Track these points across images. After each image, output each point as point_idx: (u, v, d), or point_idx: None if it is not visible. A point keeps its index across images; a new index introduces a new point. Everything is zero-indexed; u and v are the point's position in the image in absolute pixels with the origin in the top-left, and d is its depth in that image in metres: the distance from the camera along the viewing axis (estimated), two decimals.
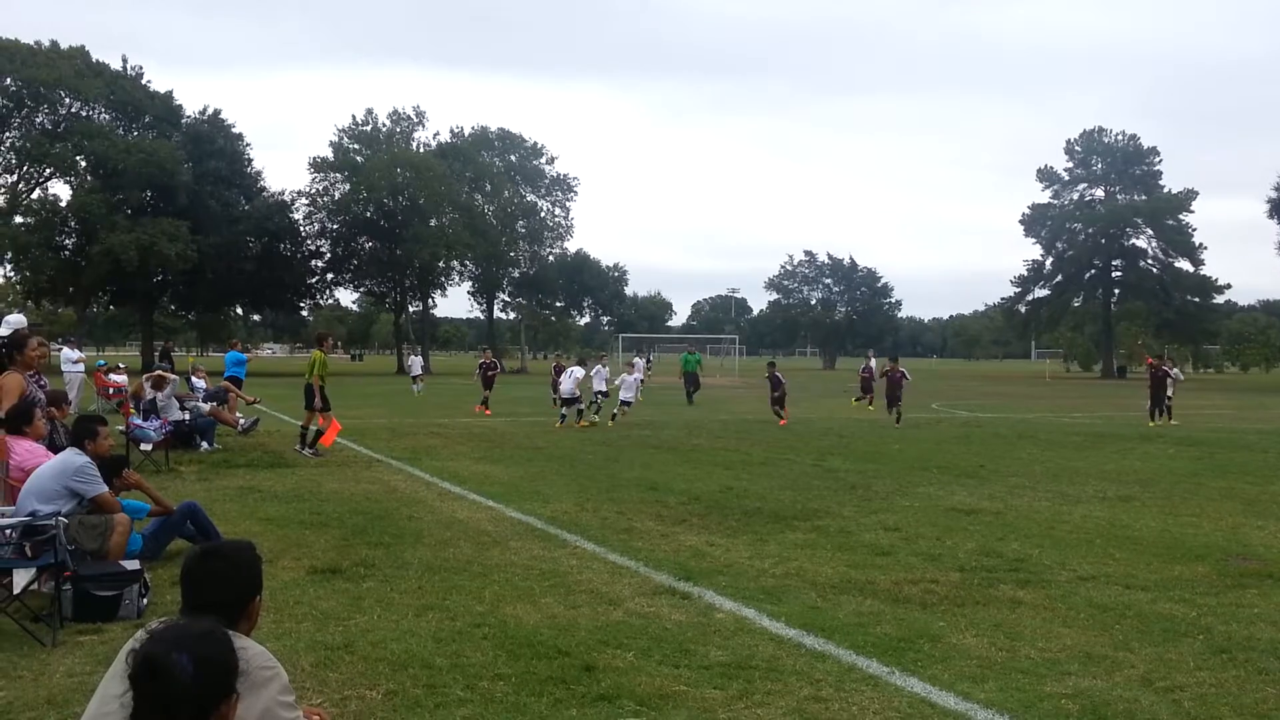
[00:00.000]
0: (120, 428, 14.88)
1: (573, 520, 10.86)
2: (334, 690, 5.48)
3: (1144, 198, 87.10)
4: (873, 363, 42.09)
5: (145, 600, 7.09)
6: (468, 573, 8.29)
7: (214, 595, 3.34)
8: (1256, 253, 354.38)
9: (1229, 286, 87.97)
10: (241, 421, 19.16)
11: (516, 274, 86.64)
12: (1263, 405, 39.56)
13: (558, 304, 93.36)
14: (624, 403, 25.24)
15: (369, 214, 74.26)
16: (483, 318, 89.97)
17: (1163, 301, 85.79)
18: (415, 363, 45.07)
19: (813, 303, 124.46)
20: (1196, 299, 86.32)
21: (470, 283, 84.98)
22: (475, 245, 74.81)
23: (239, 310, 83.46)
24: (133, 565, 7.21)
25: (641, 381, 27.81)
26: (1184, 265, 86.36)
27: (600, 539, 9.82)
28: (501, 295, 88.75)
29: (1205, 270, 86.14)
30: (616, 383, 25.55)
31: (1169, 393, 27.08)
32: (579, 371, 24.60)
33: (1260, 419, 30.59)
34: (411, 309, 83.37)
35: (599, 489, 13.29)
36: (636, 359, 28.21)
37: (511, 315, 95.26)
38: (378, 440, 18.93)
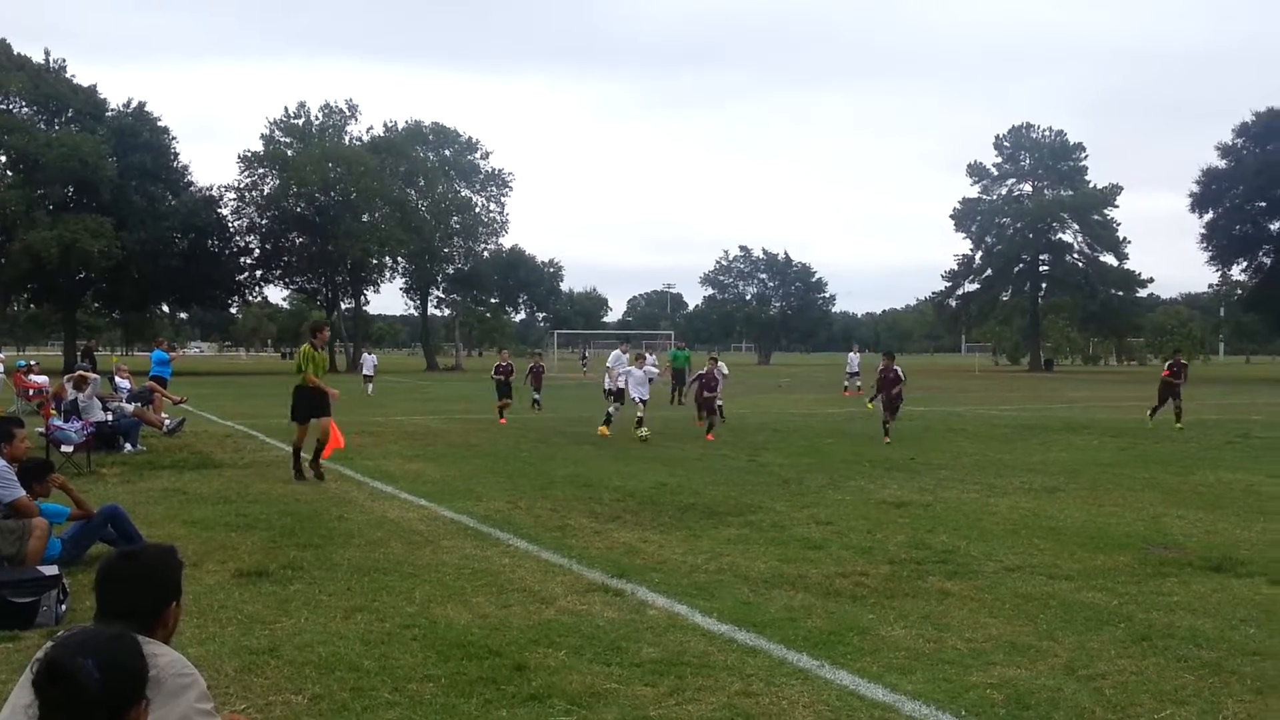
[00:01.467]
0: (40, 429, 14.50)
1: (506, 518, 10.79)
2: (258, 696, 5.39)
3: (1070, 193, 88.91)
4: (855, 356, 42.79)
5: (64, 606, 6.91)
6: (398, 573, 8.19)
7: (130, 600, 3.25)
8: (1179, 247, 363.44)
9: (1152, 280, 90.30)
10: (167, 422, 18.79)
11: (451, 270, 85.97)
12: (1185, 396, 40.54)
13: (493, 300, 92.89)
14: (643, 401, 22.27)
15: (300, 209, 73.22)
16: (416, 315, 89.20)
17: (1088, 295, 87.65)
18: (368, 361, 43.28)
19: (748, 298, 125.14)
20: (1121, 293, 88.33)
21: (404, 279, 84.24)
22: (409, 241, 74.14)
23: (165, 308, 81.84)
24: (51, 571, 7.02)
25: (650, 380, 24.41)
26: (1109, 259, 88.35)
27: (533, 537, 9.78)
28: (436, 292, 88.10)
29: (1129, 264, 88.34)
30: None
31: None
32: (631, 368, 21.56)
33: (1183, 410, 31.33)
34: (344, 306, 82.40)
35: (533, 487, 13.23)
36: (647, 353, 25.08)
37: (446, 312, 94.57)
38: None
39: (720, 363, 22.24)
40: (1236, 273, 75.92)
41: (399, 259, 78.99)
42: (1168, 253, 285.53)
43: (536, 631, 6.57)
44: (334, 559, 8.67)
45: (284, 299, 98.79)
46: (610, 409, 21.20)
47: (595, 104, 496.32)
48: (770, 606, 7.25)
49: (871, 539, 9.80)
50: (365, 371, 41.92)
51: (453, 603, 7.29)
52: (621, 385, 21.64)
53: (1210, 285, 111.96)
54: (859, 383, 39.79)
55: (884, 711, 5.23)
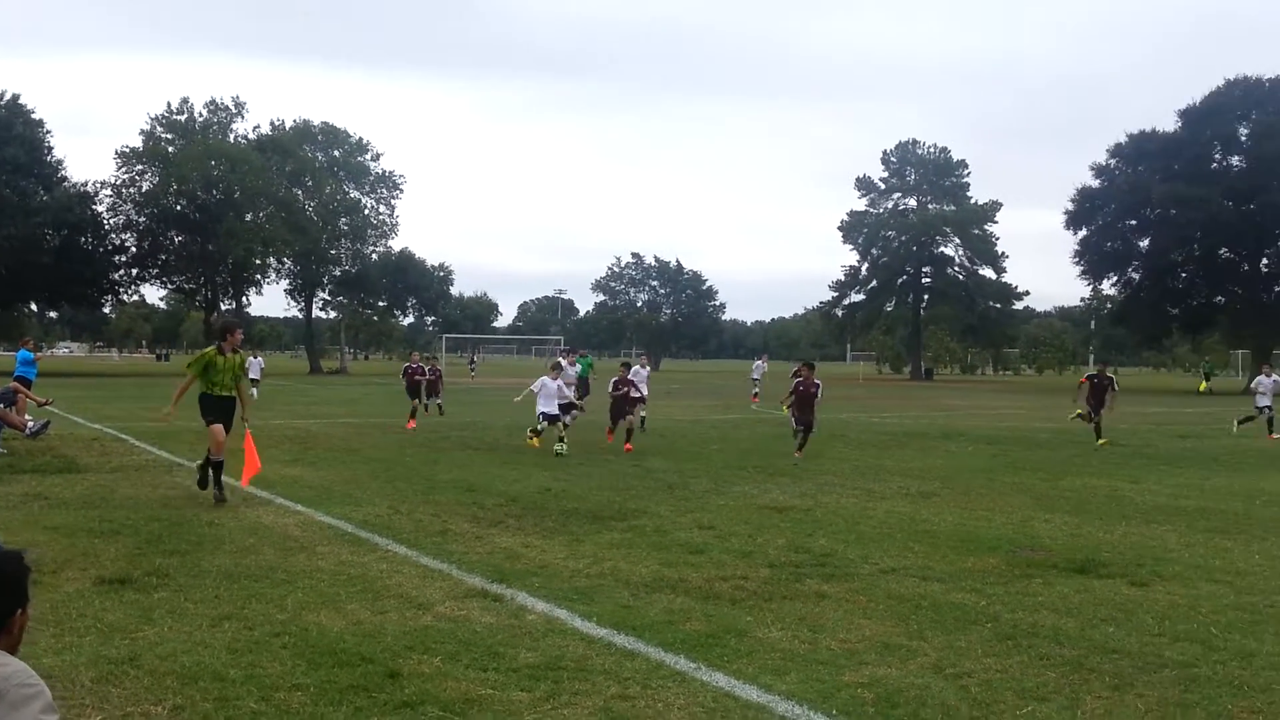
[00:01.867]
0: None
1: (385, 524, 10.61)
2: (115, 707, 5.18)
3: (953, 208, 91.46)
4: (764, 364, 43.62)
5: None
6: (270, 580, 7.98)
7: None
8: (1053, 262, 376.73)
9: (1028, 293, 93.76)
10: (30, 424, 17.99)
11: (338, 272, 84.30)
12: (1056, 406, 42.00)
13: (380, 303, 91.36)
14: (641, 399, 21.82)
15: (180, 207, 71.07)
16: (301, 317, 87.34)
17: (968, 307, 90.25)
18: (254, 364, 40.08)
19: (639, 304, 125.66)
20: (998, 305, 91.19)
21: (288, 280, 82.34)
22: (294, 242, 72.52)
23: (34, 306, 78.50)
24: None
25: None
26: (988, 273, 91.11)
27: (413, 542, 9.62)
28: (321, 294, 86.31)
29: (1007, 278, 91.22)
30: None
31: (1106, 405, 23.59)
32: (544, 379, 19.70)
33: (1053, 419, 32.45)
34: (224, 306, 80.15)
35: (415, 491, 13.03)
36: (564, 360, 24.09)
37: (332, 314, 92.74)
38: (180, 444, 18.07)
39: (637, 365, 22.58)
40: (1107, 287, 79.08)
41: (284, 260, 77.20)
42: (1043, 267, 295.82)
43: (412, 638, 6.46)
44: (202, 566, 8.40)
45: (161, 299, 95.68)
46: (565, 418, 19.46)
47: (487, 107, 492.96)
48: (650, 610, 7.27)
49: (752, 543, 9.90)
50: (251, 375, 40.35)
51: (326, 609, 7.12)
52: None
53: (1082, 299, 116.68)
54: (758, 389, 40.81)
55: (757, 712, 5.28)
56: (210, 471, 11.74)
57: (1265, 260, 67.80)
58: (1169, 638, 6.76)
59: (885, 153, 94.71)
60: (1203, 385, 60.66)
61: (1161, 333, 78.47)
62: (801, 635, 6.69)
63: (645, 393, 22.81)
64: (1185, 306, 71.55)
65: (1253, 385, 26.56)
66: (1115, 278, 73.70)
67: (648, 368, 24.48)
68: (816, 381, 18.97)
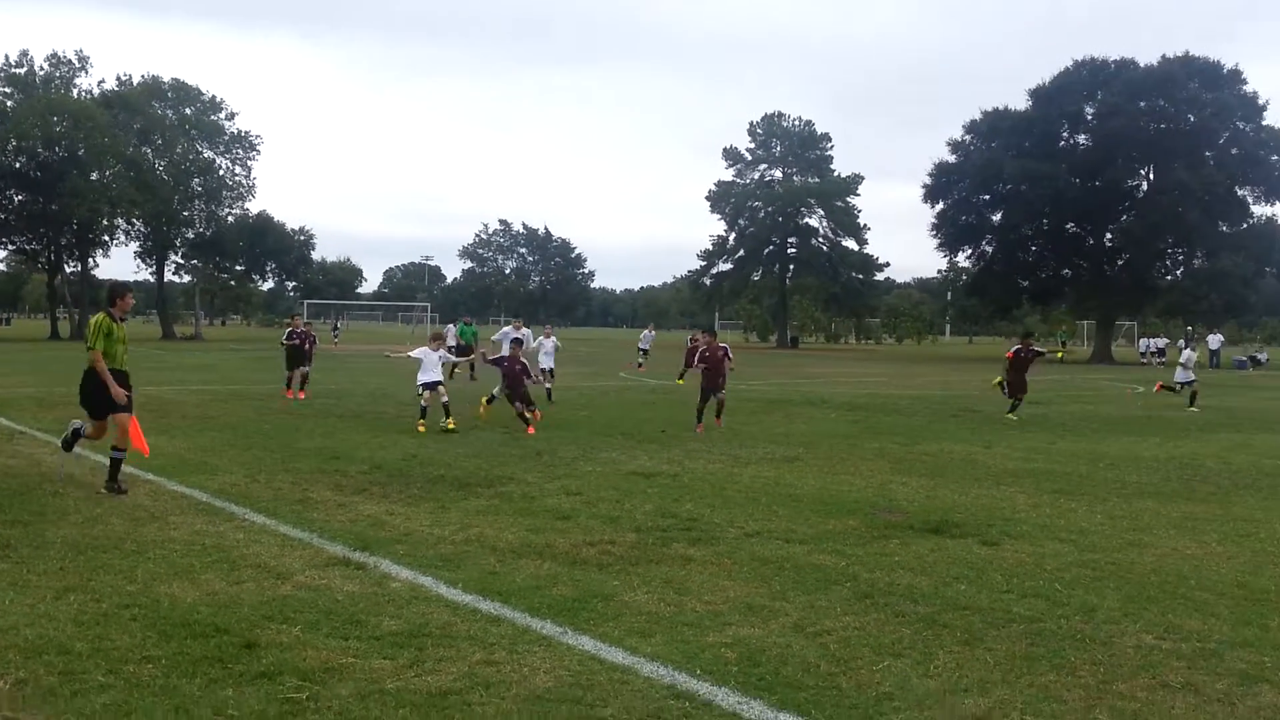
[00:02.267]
0: None
1: (243, 493, 10.30)
2: None
3: (817, 180, 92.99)
4: (651, 333, 44.02)
5: None
6: (119, 551, 7.66)
7: None
8: (912, 234, 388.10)
9: (888, 264, 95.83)
10: None
11: (191, 235, 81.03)
12: (914, 374, 43.37)
13: (237, 267, 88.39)
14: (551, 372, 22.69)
15: (19, 165, 67.23)
16: (153, 280, 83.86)
17: (831, 277, 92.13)
18: None
19: (507, 272, 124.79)
20: (860, 276, 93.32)
21: (138, 242, 78.86)
22: (143, 202, 69.36)
23: None
24: None
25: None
26: (850, 244, 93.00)
27: (272, 511, 9.37)
28: (174, 257, 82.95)
29: (869, 249, 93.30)
30: (535, 344, 23.03)
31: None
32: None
33: (911, 386, 33.51)
34: (69, 269, 76.40)
35: (274, 460, 12.68)
36: (447, 334, 23.74)
37: (186, 278, 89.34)
38: (23, 411, 17.21)
39: (543, 336, 22.75)
40: (962, 260, 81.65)
41: (133, 221, 73.87)
42: (902, 240, 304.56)
43: (270, 608, 6.29)
44: (46, 536, 8.02)
45: (1, 260, 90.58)
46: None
47: (353, 68, 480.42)
48: (516, 576, 7.23)
49: (619, 509, 9.94)
50: None
51: (179, 580, 6.88)
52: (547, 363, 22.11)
53: (939, 271, 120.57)
54: (641, 360, 41.12)
55: (623, 674, 5.30)
56: (112, 465, 10.18)
57: (1109, 235, 70.92)
58: (1017, 594, 7.05)
59: (752, 124, 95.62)
60: (1060, 354, 63.38)
61: (1013, 303, 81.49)
62: (667, 598, 6.75)
63: (553, 365, 23.06)
64: (1035, 279, 74.41)
65: (1182, 360, 27.01)
66: (970, 250, 76.12)
67: (553, 338, 23.78)
68: (722, 345, 18.60)
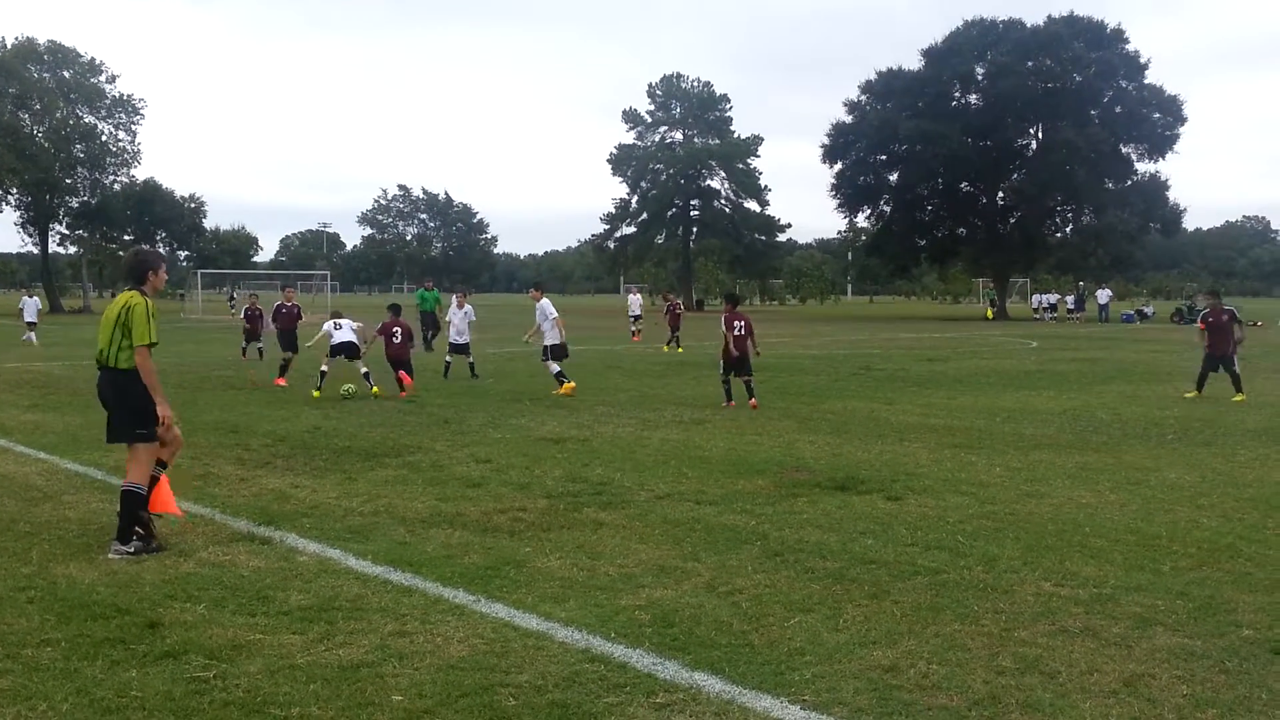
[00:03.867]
0: None
1: None
2: None
3: (718, 142, 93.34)
4: (637, 299, 42.64)
5: None
6: (11, 532, 7.41)
7: None
8: (812, 195, 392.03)
9: (790, 226, 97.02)
10: None
11: (75, 204, 78.14)
12: (817, 333, 44.02)
13: (125, 237, 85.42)
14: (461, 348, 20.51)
15: None
16: (36, 252, 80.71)
17: (734, 239, 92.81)
18: (29, 304, 34.25)
19: (408, 238, 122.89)
20: (763, 237, 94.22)
21: (18, 212, 75.73)
22: (22, 170, 66.64)
23: None
24: None
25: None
26: (752, 206, 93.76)
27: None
28: (58, 227, 79.89)
29: (770, 211, 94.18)
30: (449, 318, 21.30)
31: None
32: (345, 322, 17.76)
33: (815, 345, 34.01)
34: None
35: None
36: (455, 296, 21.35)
37: (71, 249, 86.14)
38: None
39: (468, 306, 20.83)
40: (861, 220, 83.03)
41: (11, 190, 70.89)
42: (803, 200, 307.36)
43: (172, 586, 6.13)
44: None
45: None
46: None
47: (241, 25, 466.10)
48: (427, 546, 7.17)
49: (530, 475, 9.91)
50: (28, 318, 33.80)
51: (76, 561, 6.67)
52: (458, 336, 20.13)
53: (839, 231, 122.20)
54: (640, 325, 39.24)
55: (538, 639, 5.30)
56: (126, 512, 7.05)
57: (1001, 194, 72.73)
58: (921, 547, 7.22)
59: (651, 86, 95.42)
60: (990, 312, 64.73)
61: (911, 262, 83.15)
62: (580, 563, 6.76)
63: (467, 339, 20.63)
64: (932, 238, 76.02)
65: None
66: (869, 210, 77.37)
67: (467, 307, 21.06)
68: (744, 315, 16.68)
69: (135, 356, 6.98)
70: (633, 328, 39.30)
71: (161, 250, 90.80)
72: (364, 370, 16.77)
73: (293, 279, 55.73)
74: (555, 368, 17.67)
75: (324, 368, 16.83)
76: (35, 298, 35.42)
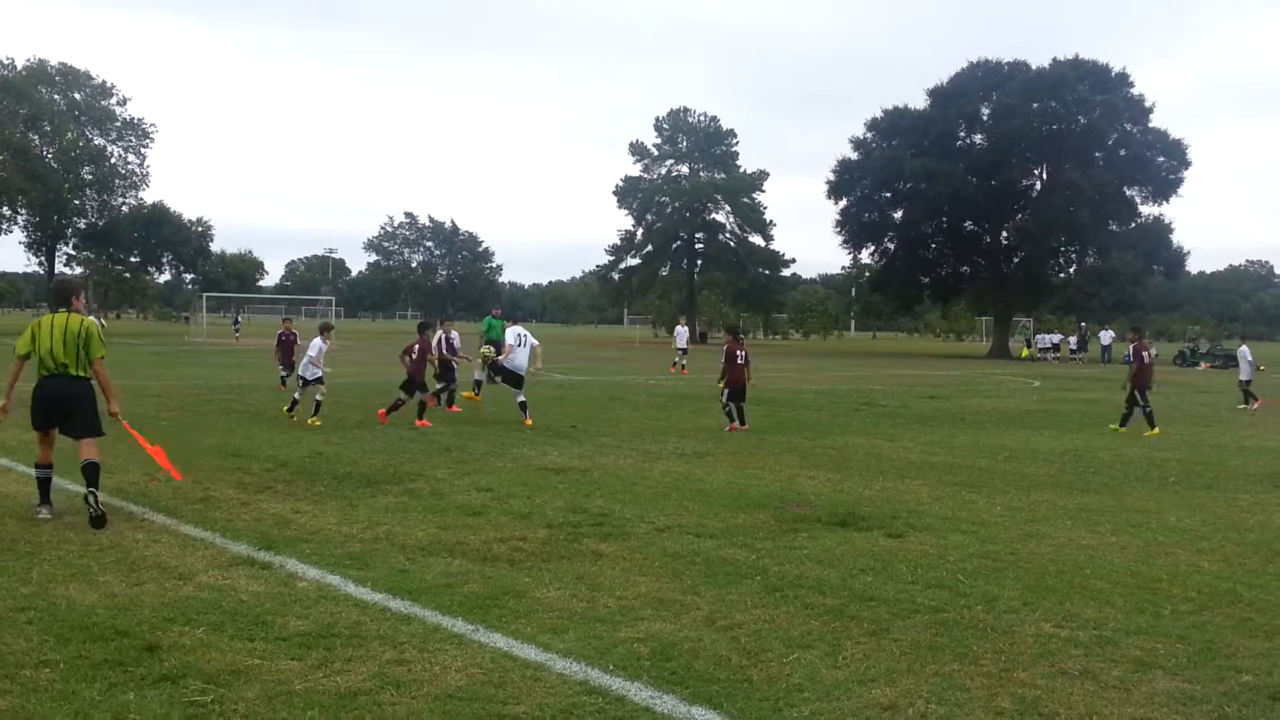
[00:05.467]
0: None
1: (141, 491, 10.03)
2: None
3: (723, 176, 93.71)
4: (684, 330, 40.10)
5: None
6: (12, 552, 7.40)
7: None
8: (817, 231, 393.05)
9: (795, 260, 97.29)
10: None
11: (83, 225, 78.51)
12: (820, 368, 44.02)
13: (132, 259, 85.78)
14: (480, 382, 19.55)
15: None
16: (42, 272, 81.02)
17: (739, 273, 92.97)
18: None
19: (414, 265, 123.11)
20: (767, 271, 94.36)
21: (25, 233, 76.06)
22: (30, 191, 66.99)
23: None
24: None
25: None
26: (757, 240, 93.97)
27: (172, 510, 9.13)
28: (65, 248, 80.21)
29: (775, 245, 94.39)
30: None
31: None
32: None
33: (817, 380, 34.00)
34: None
35: (174, 457, 12.17)
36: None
37: (78, 270, 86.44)
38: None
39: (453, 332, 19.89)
40: (865, 256, 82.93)
41: (19, 210, 71.23)
42: (808, 236, 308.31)
43: (172, 610, 6.13)
44: None
45: None
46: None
47: (251, 52, 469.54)
48: (427, 574, 7.16)
49: (530, 504, 9.91)
50: None
51: (76, 582, 6.67)
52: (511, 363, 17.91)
53: (843, 267, 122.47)
54: (685, 360, 37.31)
55: (536, 670, 5.29)
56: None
57: (1005, 233, 72.80)
58: (921, 585, 7.21)
59: (658, 119, 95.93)
60: (1025, 351, 64.56)
61: (915, 300, 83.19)
62: (579, 594, 6.75)
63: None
64: (935, 275, 76.04)
65: (1239, 356, 27.15)
66: (873, 247, 77.38)
67: (453, 333, 20.16)
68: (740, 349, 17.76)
69: (96, 366, 8.76)
70: (678, 360, 37.45)
71: (167, 271, 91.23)
72: (319, 397, 16.78)
73: (297, 304, 55.77)
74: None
75: (296, 395, 17.04)
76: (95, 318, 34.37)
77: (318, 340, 17.21)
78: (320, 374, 17.00)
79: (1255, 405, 24.70)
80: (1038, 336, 66.44)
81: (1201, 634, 6.22)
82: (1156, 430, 18.13)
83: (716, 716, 4.77)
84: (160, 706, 4.68)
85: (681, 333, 40.19)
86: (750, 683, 5.22)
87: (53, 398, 8.73)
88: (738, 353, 17.48)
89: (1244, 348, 27.13)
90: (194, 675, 5.07)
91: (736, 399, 17.33)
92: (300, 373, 17.03)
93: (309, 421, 16.15)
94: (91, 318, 8.97)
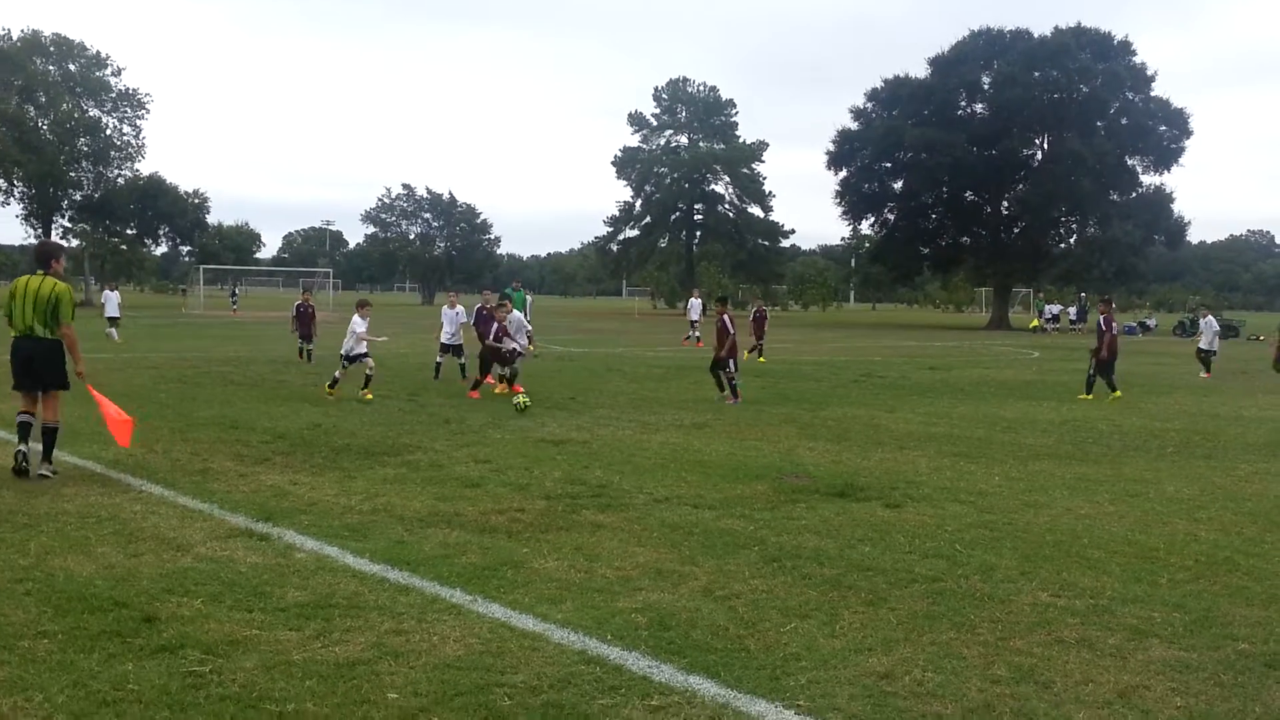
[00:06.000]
0: None
1: (139, 463, 10.02)
2: None
3: (722, 146, 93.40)
4: (697, 303, 39.52)
5: None
6: (10, 524, 7.41)
7: None
8: (817, 201, 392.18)
9: (794, 231, 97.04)
10: None
11: (79, 197, 78.14)
12: (820, 339, 44.00)
13: (129, 232, 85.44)
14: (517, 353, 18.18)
15: None
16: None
17: (738, 244, 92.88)
18: (111, 299, 32.90)
19: (411, 237, 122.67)
20: (766, 242, 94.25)
21: (21, 205, 75.75)
22: (26, 163, 66.69)
23: None
24: None
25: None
26: (756, 211, 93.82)
27: (170, 482, 9.13)
28: (61, 220, 79.87)
29: (774, 216, 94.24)
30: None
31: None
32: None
33: (817, 352, 34.01)
34: None
35: (171, 429, 12.35)
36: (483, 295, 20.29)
37: (74, 242, 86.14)
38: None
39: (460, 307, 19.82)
40: (865, 227, 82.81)
41: (15, 183, 70.94)
42: (807, 206, 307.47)
43: (170, 580, 6.14)
44: None
45: None
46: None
47: (245, 19, 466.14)
48: (425, 545, 7.17)
49: (529, 476, 9.91)
50: (109, 312, 32.50)
51: (74, 554, 6.67)
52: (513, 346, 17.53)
53: (843, 238, 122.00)
54: (698, 333, 36.50)
55: (534, 640, 5.30)
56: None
57: (1005, 203, 72.59)
58: (919, 555, 7.22)
59: (657, 89, 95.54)
60: (1035, 322, 64.22)
61: (914, 270, 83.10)
62: (577, 564, 6.76)
63: (460, 339, 19.97)
64: (935, 246, 75.83)
65: (1202, 325, 27.58)
66: (872, 218, 77.18)
67: (459, 308, 20.32)
68: (725, 317, 17.75)
69: (65, 330, 9.35)
70: (690, 333, 37.14)
71: (164, 244, 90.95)
72: (369, 371, 16.40)
73: (294, 276, 55.65)
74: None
75: (338, 374, 16.33)
76: (117, 292, 33.90)
77: (357, 318, 16.57)
78: (366, 349, 16.55)
79: (1205, 375, 25.16)
80: (1046, 307, 66.18)
81: (1198, 602, 6.23)
82: (1090, 396, 18.90)
83: (714, 685, 4.78)
84: (158, 677, 4.69)
85: (695, 304, 39.73)
86: (748, 652, 5.24)
87: (24, 358, 9.36)
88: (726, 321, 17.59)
89: (1210, 318, 27.61)
90: (192, 646, 5.08)
91: (716, 367, 17.50)
92: (344, 351, 16.43)
93: (361, 395, 15.85)
94: (65, 284, 9.52)
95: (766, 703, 4.62)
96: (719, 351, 17.43)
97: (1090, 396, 18.88)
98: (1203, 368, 25.89)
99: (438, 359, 20.31)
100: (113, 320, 32.14)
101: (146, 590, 5.94)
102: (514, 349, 17.61)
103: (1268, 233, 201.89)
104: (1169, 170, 69.07)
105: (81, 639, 5.14)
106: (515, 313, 17.89)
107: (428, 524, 7.80)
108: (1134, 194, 69.55)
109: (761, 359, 27.22)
